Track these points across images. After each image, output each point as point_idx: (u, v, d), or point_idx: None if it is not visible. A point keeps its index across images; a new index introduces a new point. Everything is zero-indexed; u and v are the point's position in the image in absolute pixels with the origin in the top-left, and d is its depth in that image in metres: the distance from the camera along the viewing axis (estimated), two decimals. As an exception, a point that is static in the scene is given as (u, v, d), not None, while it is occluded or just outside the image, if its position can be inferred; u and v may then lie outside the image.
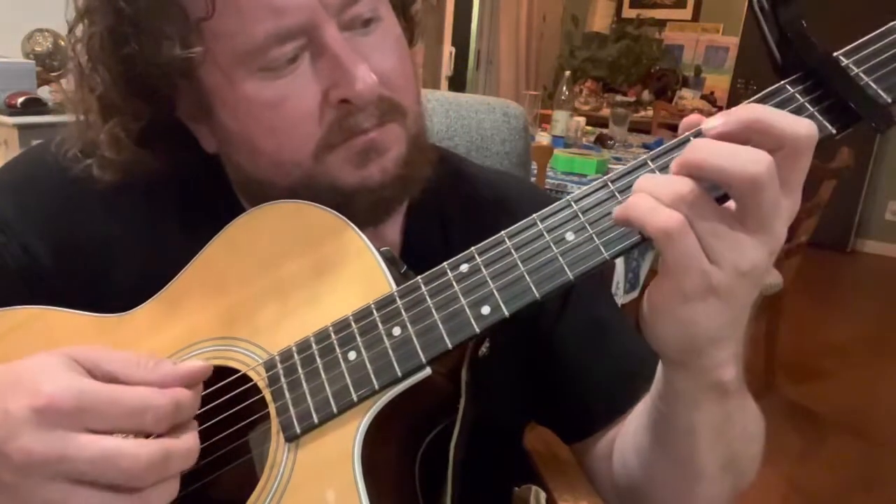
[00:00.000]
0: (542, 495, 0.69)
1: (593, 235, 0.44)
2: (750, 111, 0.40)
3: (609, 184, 0.45)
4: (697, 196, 0.39)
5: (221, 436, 0.51)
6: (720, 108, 4.59)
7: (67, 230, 0.59)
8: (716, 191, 0.41)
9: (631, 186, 0.43)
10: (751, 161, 0.38)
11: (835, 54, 0.43)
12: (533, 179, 1.86)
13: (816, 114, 0.42)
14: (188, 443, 0.44)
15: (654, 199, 0.40)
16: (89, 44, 0.52)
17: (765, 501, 2.05)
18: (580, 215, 0.45)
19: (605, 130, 3.10)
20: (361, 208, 0.55)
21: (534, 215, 0.46)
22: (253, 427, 0.52)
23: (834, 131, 0.42)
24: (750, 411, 0.52)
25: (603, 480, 0.66)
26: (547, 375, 0.66)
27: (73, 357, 0.43)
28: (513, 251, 0.46)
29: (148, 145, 0.55)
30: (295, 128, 0.52)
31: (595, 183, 0.45)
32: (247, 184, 0.60)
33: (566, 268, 0.44)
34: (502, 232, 0.46)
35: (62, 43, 2.34)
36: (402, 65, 0.56)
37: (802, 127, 0.39)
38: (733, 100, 4.66)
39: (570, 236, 0.45)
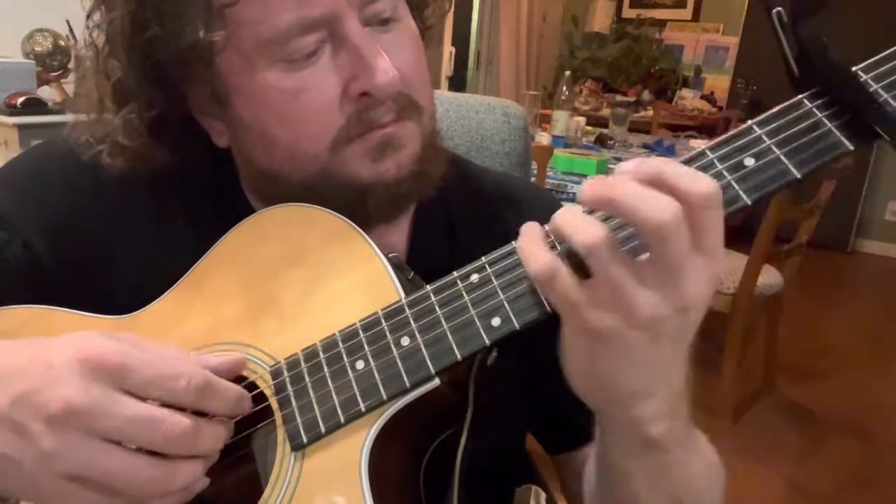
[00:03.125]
0: (542, 495, 0.69)
1: None
2: (653, 165, 0.39)
3: None
4: (599, 240, 0.38)
5: (226, 443, 0.51)
6: (720, 108, 4.62)
7: (71, 226, 0.59)
8: (632, 241, 0.41)
9: None
10: (659, 206, 0.37)
11: (854, 69, 0.42)
12: (533, 179, 1.86)
13: (834, 130, 0.41)
14: (218, 427, 0.45)
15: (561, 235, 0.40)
16: (109, 29, 0.51)
17: (765, 501, 2.05)
18: None
19: (605, 130, 3.09)
20: (376, 204, 0.55)
21: (546, 226, 0.45)
22: (258, 435, 0.52)
23: (852, 147, 0.41)
24: (697, 464, 0.51)
25: (574, 494, 0.66)
26: (543, 383, 0.65)
27: (111, 333, 0.44)
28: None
29: (158, 136, 0.55)
30: (313, 119, 0.52)
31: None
32: (259, 178, 0.59)
33: None
34: (513, 243, 0.46)
35: (62, 43, 2.34)
36: (418, 63, 0.56)
37: (702, 184, 0.37)
38: (733, 100, 4.67)
39: None
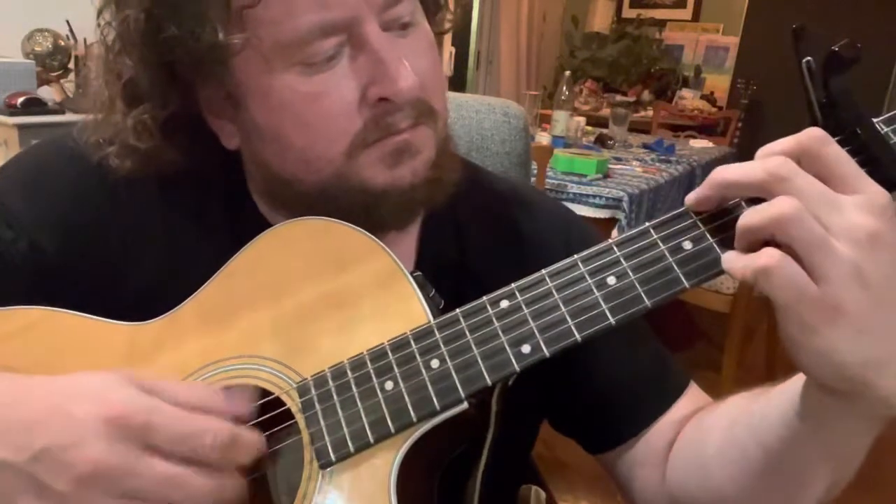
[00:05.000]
0: (543, 495, 0.69)
1: (635, 282, 0.44)
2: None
3: (651, 231, 0.45)
4: (794, 209, 0.38)
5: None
6: (720, 108, 4.62)
7: (79, 225, 0.58)
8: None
9: (673, 235, 0.44)
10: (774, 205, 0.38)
11: (874, 121, 0.43)
12: (533, 179, 1.86)
13: None
14: (240, 478, 0.45)
15: (747, 229, 0.39)
16: (121, 27, 0.51)
17: (765, 501, 2.05)
18: (622, 261, 0.45)
19: (605, 130, 3.10)
20: (390, 209, 0.55)
21: (575, 256, 0.46)
22: (279, 451, 0.51)
23: None
24: None
25: (644, 487, 0.64)
26: (571, 385, 0.65)
27: (131, 378, 0.44)
28: (554, 291, 0.46)
29: (168, 137, 0.55)
30: (330, 123, 0.52)
31: (637, 230, 0.45)
32: (271, 182, 0.59)
33: (608, 312, 0.44)
34: (543, 271, 0.46)
35: (62, 43, 2.34)
36: (435, 68, 0.56)
37: (802, 136, 0.40)
38: (733, 100, 4.67)
39: (611, 280, 0.44)
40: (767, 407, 0.50)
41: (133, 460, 0.40)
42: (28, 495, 0.40)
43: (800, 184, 0.38)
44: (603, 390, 0.65)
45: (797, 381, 0.46)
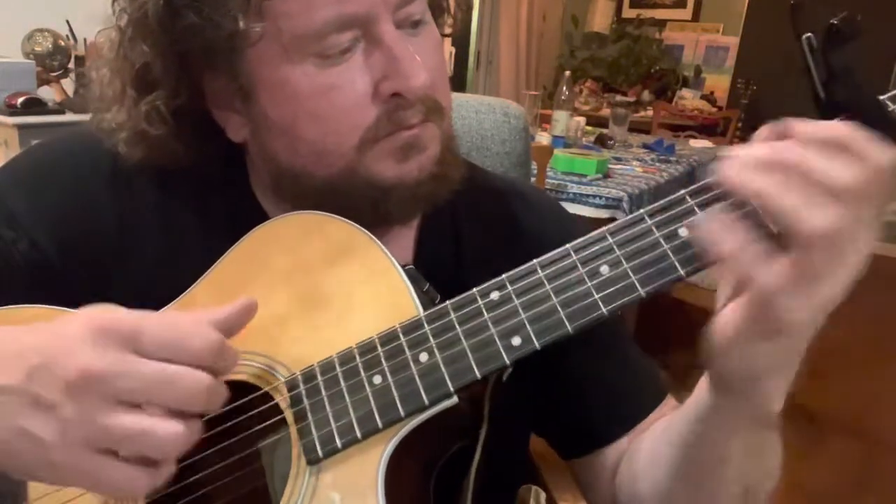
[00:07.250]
0: (542, 495, 0.69)
1: (629, 271, 0.43)
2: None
3: (646, 217, 0.43)
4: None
5: (238, 456, 0.50)
6: (720, 108, 4.62)
7: (78, 225, 0.58)
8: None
9: (669, 221, 0.42)
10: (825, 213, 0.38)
11: (880, 98, 0.43)
12: (533, 179, 1.86)
13: None
14: (223, 384, 0.44)
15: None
16: (138, 13, 0.51)
17: (765, 501, 2.05)
18: (616, 249, 0.43)
19: (605, 130, 3.09)
20: (396, 204, 0.56)
21: (567, 246, 0.45)
22: (268, 447, 0.51)
23: None
24: (777, 446, 0.51)
25: (602, 497, 0.65)
26: (552, 389, 0.65)
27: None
28: (545, 282, 0.45)
29: (178, 127, 0.55)
30: (342, 116, 0.52)
31: (632, 216, 0.44)
32: (280, 176, 0.59)
33: (600, 302, 0.43)
34: (535, 261, 0.46)
35: (62, 43, 2.34)
36: (443, 66, 0.57)
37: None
38: (733, 100, 4.67)
39: (604, 269, 0.43)
40: (680, 414, 0.53)
41: (122, 363, 0.40)
42: (27, 412, 0.40)
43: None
44: (582, 396, 0.65)
45: (700, 390, 0.49)
